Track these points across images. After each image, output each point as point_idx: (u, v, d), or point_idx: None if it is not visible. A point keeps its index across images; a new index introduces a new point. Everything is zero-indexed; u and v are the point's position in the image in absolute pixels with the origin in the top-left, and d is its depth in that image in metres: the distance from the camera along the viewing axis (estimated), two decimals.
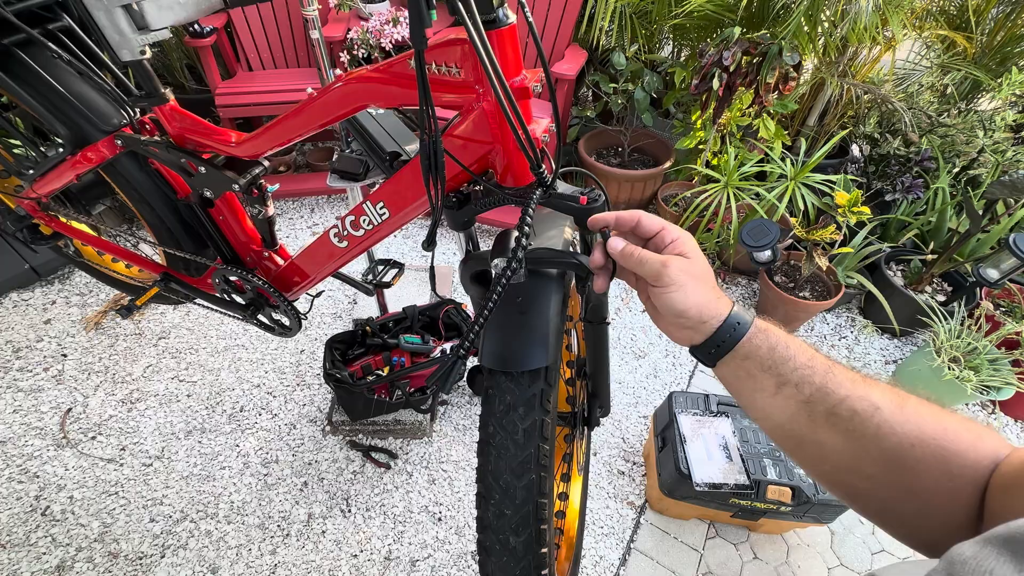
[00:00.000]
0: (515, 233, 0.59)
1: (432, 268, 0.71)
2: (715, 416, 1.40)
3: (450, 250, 2.28)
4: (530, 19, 0.54)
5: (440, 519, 1.45)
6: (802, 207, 1.83)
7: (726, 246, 2.06)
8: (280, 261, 1.17)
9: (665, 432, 1.41)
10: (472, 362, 0.69)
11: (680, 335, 0.50)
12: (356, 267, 2.07)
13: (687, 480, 1.27)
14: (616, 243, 0.52)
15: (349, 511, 1.46)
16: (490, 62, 0.52)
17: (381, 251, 2.16)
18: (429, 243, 0.71)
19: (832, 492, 0.46)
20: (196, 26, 2.15)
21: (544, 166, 0.63)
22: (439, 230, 0.71)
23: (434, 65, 0.64)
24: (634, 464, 1.59)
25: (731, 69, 1.73)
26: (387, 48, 2.08)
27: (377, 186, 0.85)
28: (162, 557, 1.36)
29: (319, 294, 1.30)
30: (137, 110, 1.03)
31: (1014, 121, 2.03)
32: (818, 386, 0.44)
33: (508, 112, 0.55)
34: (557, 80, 2.08)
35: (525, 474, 0.65)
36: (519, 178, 0.69)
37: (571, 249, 0.70)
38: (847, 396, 0.43)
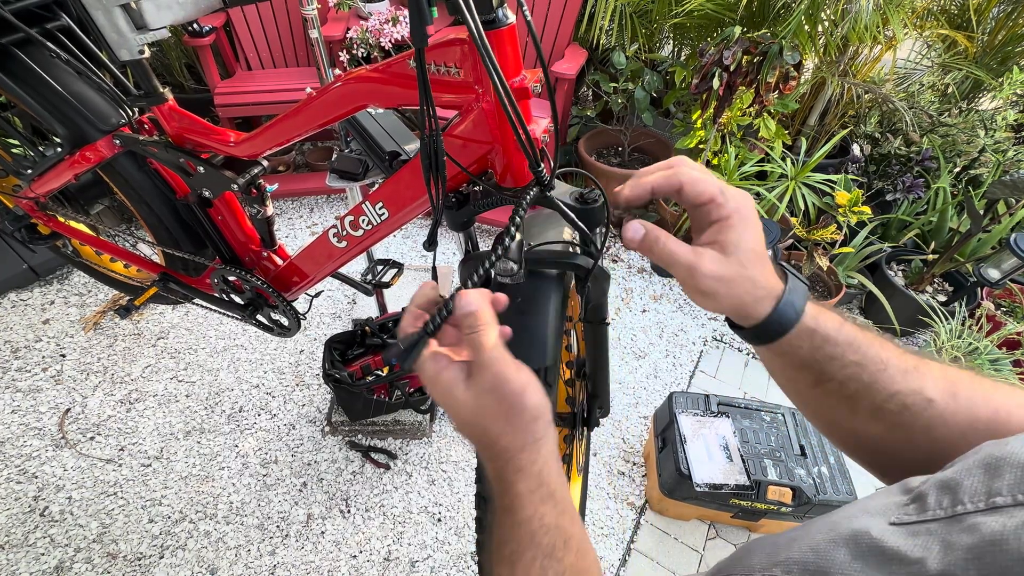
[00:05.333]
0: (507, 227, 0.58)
1: (434, 268, 0.70)
2: (715, 416, 1.40)
3: (449, 250, 2.27)
4: (529, 19, 0.54)
5: (440, 520, 1.45)
6: (803, 207, 1.82)
7: None
8: (279, 261, 1.16)
9: (665, 432, 1.41)
10: None
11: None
12: (355, 267, 2.06)
13: (687, 481, 1.27)
14: (635, 232, 0.43)
15: (348, 512, 1.46)
16: (491, 61, 0.52)
17: (380, 251, 2.15)
18: (430, 243, 0.71)
19: (841, 449, 0.44)
20: (195, 25, 2.14)
21: (543, 165, 0.63)
22: (439, 230, 0.71)
23: (433, 65, 0.64)
24: (634, 465, 1.59)
25: (731, 68, 1.72)
26: (386, 48, 2.07)
27: (376, 186, 0.85)
28: (161, 558, 1.36)
29: (318, 294, 1.30)
30: (136, 110, 1.03)
31: (1015, 120, 2.03)
32: (866, 383, 0.41)
33: (509, 111, 0.54)
34: (557, 80, 2.07)
35: None
36: (519, 178, 0.68)
37: (571, 249, 0.69)
38: (898, 392, 0.40)
